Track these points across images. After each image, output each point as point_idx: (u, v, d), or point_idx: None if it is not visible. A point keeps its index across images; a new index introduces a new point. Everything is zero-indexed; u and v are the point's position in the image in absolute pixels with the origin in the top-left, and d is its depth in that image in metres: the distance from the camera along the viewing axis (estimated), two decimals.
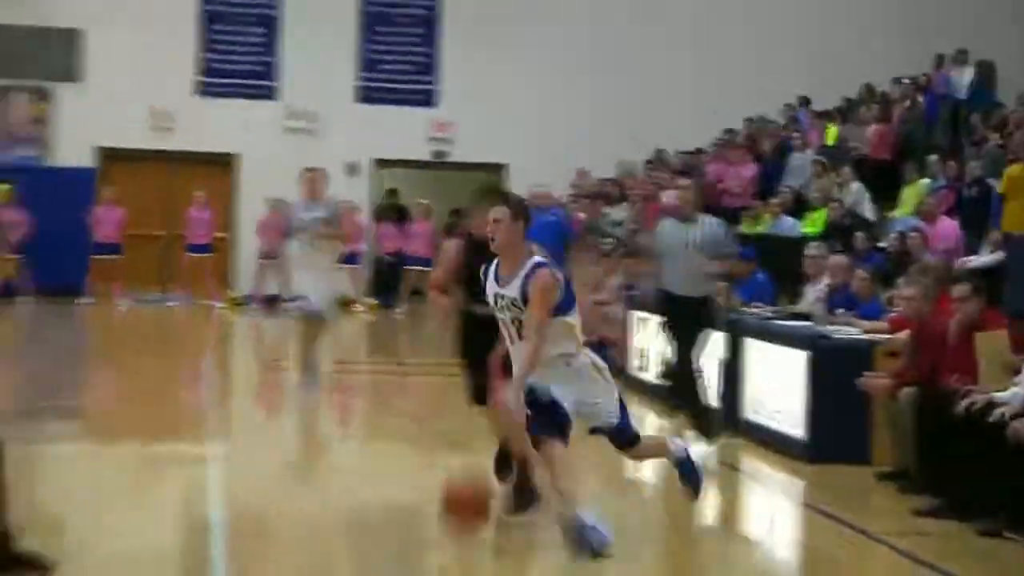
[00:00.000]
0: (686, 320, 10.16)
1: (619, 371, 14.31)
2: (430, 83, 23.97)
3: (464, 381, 8.28)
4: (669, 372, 10.63)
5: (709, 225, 10.20)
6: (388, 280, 23.05)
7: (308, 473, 9.95)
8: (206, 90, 23.34)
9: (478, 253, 7.50)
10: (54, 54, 22.69)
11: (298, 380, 12.86)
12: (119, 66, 22.44)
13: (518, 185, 21.74)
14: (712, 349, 10.52)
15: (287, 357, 15.09)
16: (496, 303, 7.12)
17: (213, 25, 23.43)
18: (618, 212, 18.56)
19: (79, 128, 22.59)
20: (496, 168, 23.73)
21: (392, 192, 25.07)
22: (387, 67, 23.87)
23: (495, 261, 7.18)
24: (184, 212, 22.65)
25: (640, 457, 8.07)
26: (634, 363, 13.89)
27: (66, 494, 8.51)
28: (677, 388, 10.49)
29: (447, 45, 23.90)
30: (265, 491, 8.66)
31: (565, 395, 7.05)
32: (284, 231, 13.47)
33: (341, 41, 23.67)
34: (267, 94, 23.47)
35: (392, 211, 24.30)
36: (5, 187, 21.31)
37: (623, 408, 7.34)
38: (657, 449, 7.91)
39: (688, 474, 7.76)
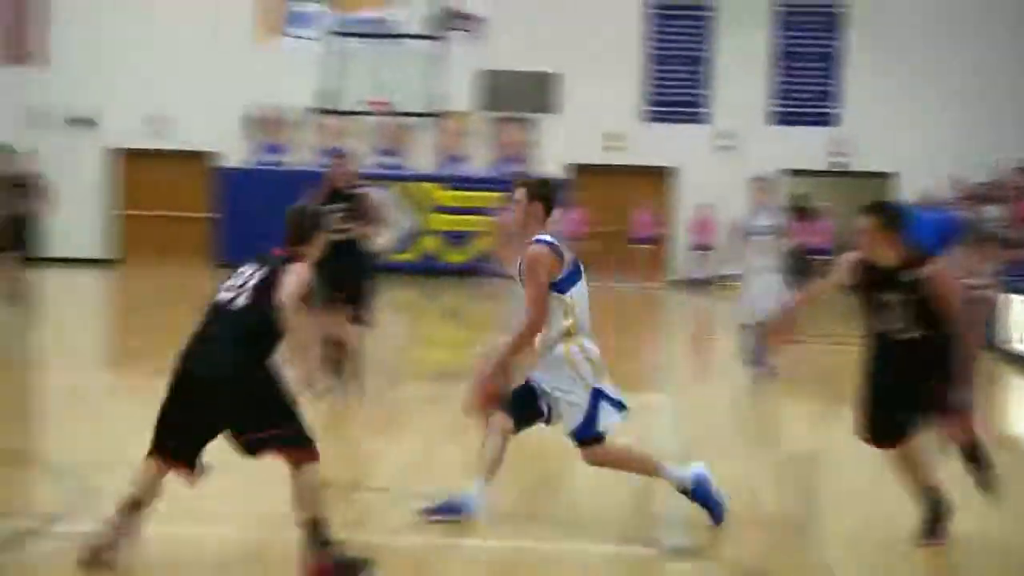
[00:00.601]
0: None
1: (989, 345, 13.51)
2: (831, 106, 23.32)
3: (861, 410, 6.04)
4: None
5: None
6: (797, 266, 22.60)
7: (734, 421, 9.92)
8: (650, 116, 23.57)
9: (869, 272, 5.89)
10: (538, 92, 23.51)
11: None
12: (583, 100, 22.99)
13: (907, 190, 21.05)
14: None
15: (716, 332, 14.92)
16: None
17: (655, 65, 23.59)
18: (993, 210, 17.57)
19: (554, 148, 23.30)
20: (887, 176, 22.94)
21: (801, 196, 24.56)
22: (796, 94, 23.39)
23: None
24: (631, 213, 23.07)
25: (601, 463, 5.93)
26: (1010, 337, 13.10)
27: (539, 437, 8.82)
28: None
29: (849, 76, 23.18)
30: (706, 438, 8.71)
31: (541, 383, 5.71)
32: (737, 234, 12.50)
33: (758, 74, 23.33)
34: (699, 118, 23.46)
35: (800, 211, 23.80)
36: (501, 195, 22.25)
37: (591, 409, 5.67)
38: (639, 465, 5.92)
39: (703, 500, 5.77)
